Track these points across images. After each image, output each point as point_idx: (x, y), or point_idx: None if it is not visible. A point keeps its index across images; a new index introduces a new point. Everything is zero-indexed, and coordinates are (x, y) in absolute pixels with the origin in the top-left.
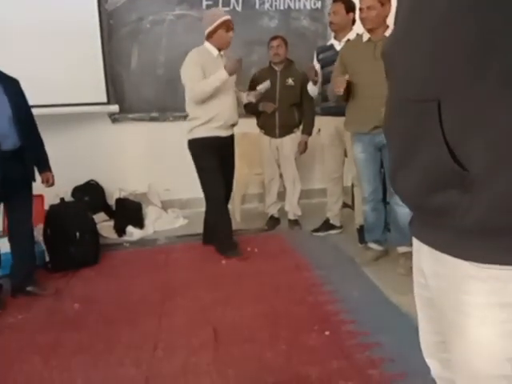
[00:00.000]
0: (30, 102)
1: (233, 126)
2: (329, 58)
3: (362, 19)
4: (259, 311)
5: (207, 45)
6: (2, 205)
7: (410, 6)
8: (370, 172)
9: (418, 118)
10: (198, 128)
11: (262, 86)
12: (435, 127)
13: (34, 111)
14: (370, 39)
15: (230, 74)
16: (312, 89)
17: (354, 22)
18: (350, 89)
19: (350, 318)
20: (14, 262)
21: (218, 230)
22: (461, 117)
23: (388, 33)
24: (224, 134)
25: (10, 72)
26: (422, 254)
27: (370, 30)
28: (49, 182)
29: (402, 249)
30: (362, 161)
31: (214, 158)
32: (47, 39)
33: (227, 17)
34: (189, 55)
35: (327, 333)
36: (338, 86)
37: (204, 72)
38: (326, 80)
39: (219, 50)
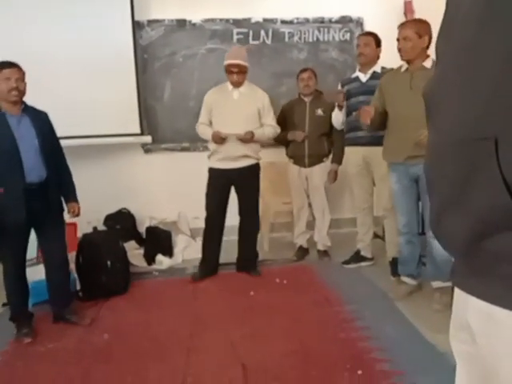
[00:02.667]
0: (67, 133)
1: (244, 156)
2: (354, 89)
3: (398, 50)
4: (289, 348)
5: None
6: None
7: (462, 43)
8: (404, 203)
9: (471, 159)
10: (209, 158)
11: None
12: (492, 167)
13: (70, 142)
14: (407, 69)
15: (213, 141)
16: (337, 117)
17: (378, 57)
18: (382, 118)
19: (383, 357)
20: (50, 289)
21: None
22: None
23: (427, 63)
24: (228, 166)
25: (46, 104)
26: (469, 307)
27: (407, 61)
28: (75, 213)
29: (436, 284)
30: (397, 191)
31: (216, 189)
32: (83, 73)
33: (230, 61)
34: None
35: (360, 372)
36: (364, 118)
37: (212, 110)
38: (352, 111)
39: (237, 86)
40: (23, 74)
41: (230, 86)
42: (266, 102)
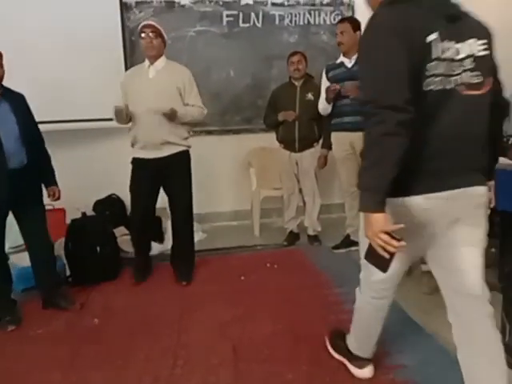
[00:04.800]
0: (54, 118)
1: (167, 144)
2: (339, 75)
3: None
4: (279, 329)
5: None
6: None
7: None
8: None
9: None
10: (132, 147)
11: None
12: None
13: (58, 126)
14: None
15: (117, 121)
16: (324, 107)
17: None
18: None
19: None
20: (36, 274)
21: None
22: None
23: None
24: (152, 155)
25: (32, 89)
26: None
27: None
28: (55, 196)
29: (425, 267)
30: None
31: (140, 180)
32: (70, 56)
33: (142, 24)
34: None
35: None
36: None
37: (127, 93)
38: (338, 97)
39: (152, 61)
40: (0, 57)
41: (146, 64)
42: (186, 79)
